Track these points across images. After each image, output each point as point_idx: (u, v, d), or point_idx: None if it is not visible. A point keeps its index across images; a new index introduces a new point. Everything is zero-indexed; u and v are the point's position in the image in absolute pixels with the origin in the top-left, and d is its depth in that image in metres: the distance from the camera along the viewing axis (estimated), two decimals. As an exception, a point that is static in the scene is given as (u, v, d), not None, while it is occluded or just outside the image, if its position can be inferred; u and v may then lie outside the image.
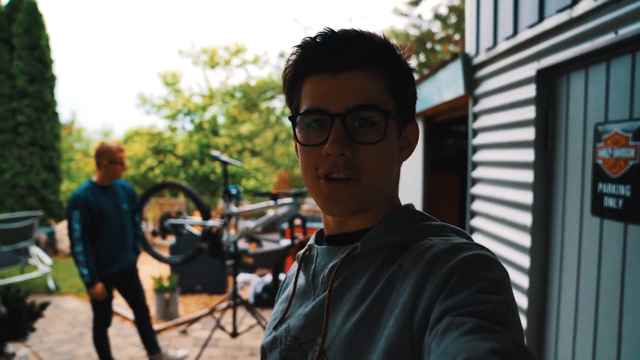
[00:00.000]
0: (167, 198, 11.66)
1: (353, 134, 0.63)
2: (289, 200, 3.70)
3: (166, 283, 4.98)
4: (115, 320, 4.99)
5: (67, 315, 5.15)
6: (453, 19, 12.38)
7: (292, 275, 0.83)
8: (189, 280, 5.79)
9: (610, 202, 1.80)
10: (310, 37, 0.66)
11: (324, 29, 0.65)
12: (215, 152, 3.98)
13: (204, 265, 5.56)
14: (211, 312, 4.37)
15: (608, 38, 1.77)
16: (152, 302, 5.44)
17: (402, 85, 0.67)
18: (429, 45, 12.45)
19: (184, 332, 4.57)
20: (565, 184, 2.12)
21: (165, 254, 5.13)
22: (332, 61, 0.64)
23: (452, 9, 13.28)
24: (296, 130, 0.68)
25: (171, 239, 5.78)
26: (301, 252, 0.77)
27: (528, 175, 2.29)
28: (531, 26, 2.23)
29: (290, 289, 0.78)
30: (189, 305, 5.45)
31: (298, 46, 0.67)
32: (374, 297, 0.61)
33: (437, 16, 14.00)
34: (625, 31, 1.69)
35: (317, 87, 0.65)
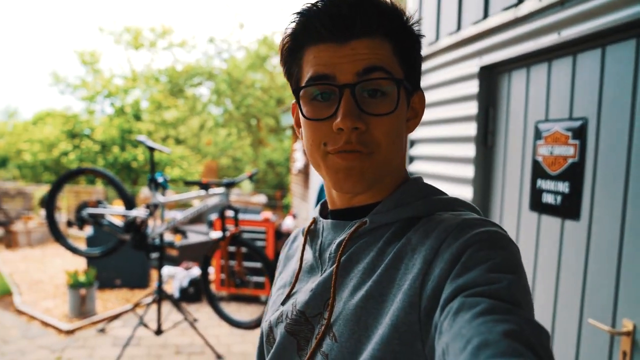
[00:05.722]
0: (82, 185, 10.83)
1: (364, 106, 0.60)
2: (220, 190, 3.52)
3: (82, 278, 4.57)
4: (21, 320, 4.51)
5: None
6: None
7: (294, 250, 0.82)
8: (108, 274, 5.39)
9: (548, 198, 1.86)
10: (310, 3, 0.61)
11: None
12: (141, 137, 3.69)
13: (124, 258, 5.18)
14: (134, 307, 4.07)
15: (551, 39, 1.81)
16: (65, 299, 5.00)
17: (410, 53, 0.65)
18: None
19: (102, 330, 4.23)
20: (504, 180, 2.17)
21: (82, 246, 4.70)
22: (336, 30, 0.60)
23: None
24: (300, 103, 0.64)
25: (88, 230, 5.34)
26: (306, 225, 0.76)
27: (468, 171, 2.32)
28: (475, 23, 2.26)
29: (296, 264, 0.77)
30: (108, 302, 5.08)
31: (297, 13, 0.62)
32: (382, 272, 0.60)
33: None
34: (567, 33, 1.74)
35: (321, 55, 0.61)
